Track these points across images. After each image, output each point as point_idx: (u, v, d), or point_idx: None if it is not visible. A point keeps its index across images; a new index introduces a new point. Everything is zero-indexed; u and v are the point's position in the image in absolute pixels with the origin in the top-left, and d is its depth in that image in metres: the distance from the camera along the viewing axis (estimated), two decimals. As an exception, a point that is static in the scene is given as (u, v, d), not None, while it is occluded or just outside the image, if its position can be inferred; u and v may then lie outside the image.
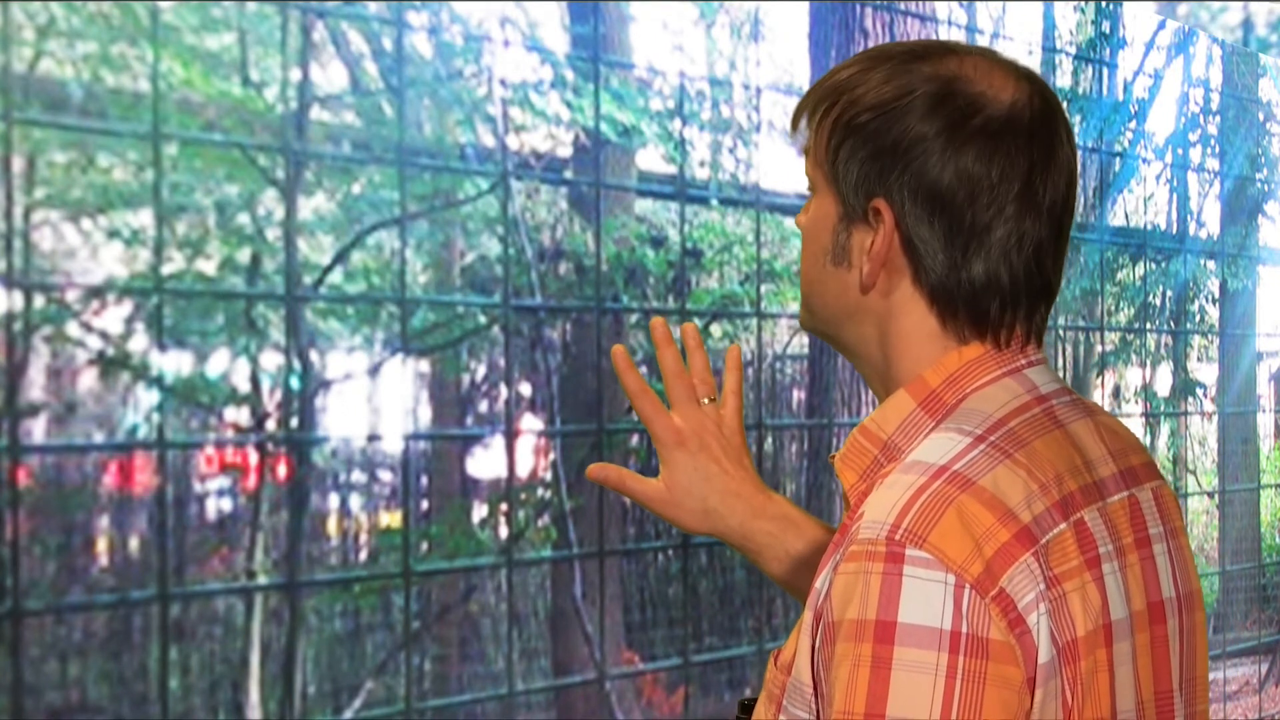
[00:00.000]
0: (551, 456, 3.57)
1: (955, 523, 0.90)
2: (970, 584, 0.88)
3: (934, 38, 4.40)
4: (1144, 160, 5.42)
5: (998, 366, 1.02)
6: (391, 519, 3.28)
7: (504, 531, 3.49)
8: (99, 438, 2.79)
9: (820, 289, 1.07)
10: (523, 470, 3.49)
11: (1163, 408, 5.53)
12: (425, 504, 3.39)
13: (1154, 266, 5.46)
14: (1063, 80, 5.06)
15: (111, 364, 2.79)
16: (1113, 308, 5.25)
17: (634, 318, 3.75)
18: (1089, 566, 0.95)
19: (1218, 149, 5.82)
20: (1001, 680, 0.88)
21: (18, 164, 2.63)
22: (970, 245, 0.99)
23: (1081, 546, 0.95)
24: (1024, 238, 1.00)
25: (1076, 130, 4.52)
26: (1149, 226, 5.44)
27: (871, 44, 4.19)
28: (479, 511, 3.51)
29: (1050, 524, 0.94)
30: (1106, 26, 5.23)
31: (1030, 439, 0.98)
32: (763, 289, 3.97)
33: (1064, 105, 1.05)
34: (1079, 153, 1.10)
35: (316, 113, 3.16)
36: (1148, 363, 5.47)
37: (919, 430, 1.00)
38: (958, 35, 4.57)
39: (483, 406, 3.56)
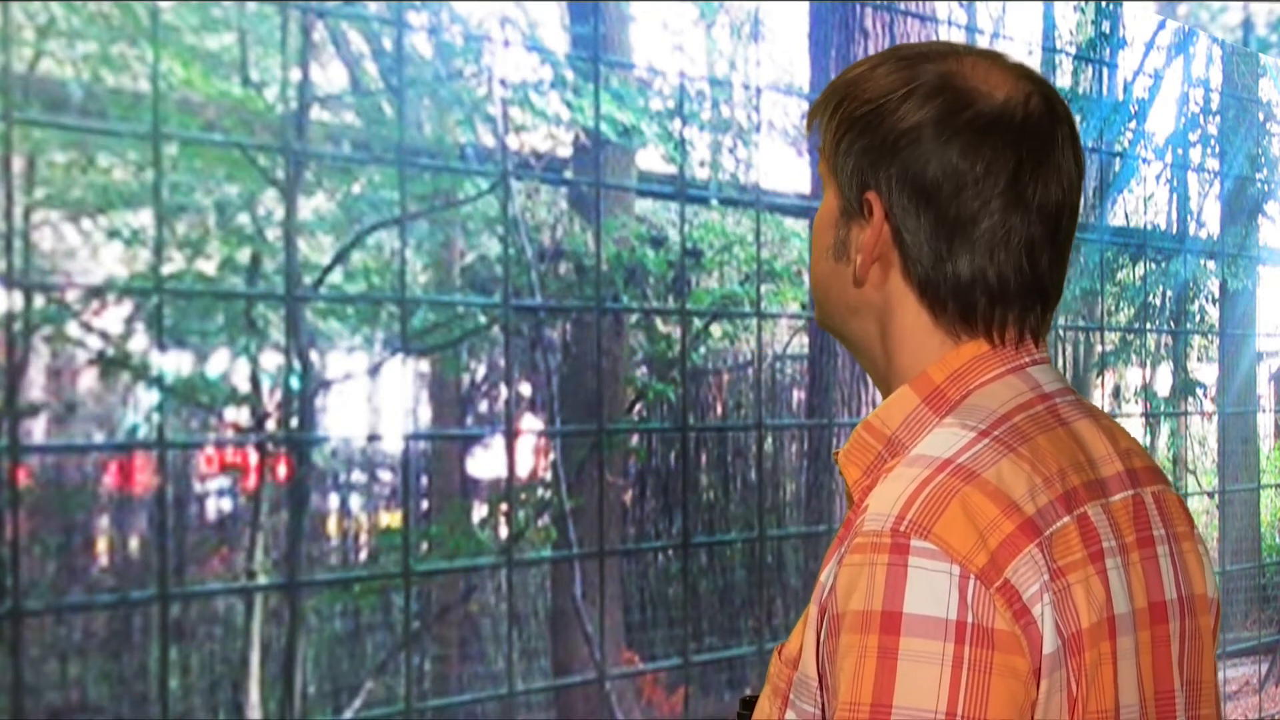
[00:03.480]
0: (551, 456, 3.56)
1: (959, 514, 0.91)
2: (975, 574, 0.89)
3: (935, 38, 4.40)
4: (1144, 160, 5.41)
5: (1001, 364, 1.02)
6: (391, 519, 3.28)
7: (504, 531, 3.48)
8: (99, 438, 2.79)
9: (824, 285, 1.08)
10: (523, 470, 3.49)
11: (1163, 408, 5.53)
12: (425, 504, 3.39)
13: (1154, 266, 5.46)
14: (1063, 80, 5.06)
15: (111, 364, 2.79)
16: (1113, 308, 5.25)
17: (634, 318, 3.75)
18: (1092, 560, 0.95)
19: (1218, 149, 5.82)
20: (1008, 670, 0.88)
21: (18, 164, 2.63)
22: (955, 238, 1.00)
23: (1085, 540, 0.95)
24: (1010, 234, 1.00)
25: (1076, 130, 4.49)
26: (1149, 226, 5.44)
27: (872, 44, 4.19)
28: (479, 511, 3.51)
29: (1054, 516, 0.94)
30: (1106, 26, 5.23)
31: (1033, 434, 0.98)
32: (763, 289, 3.96)
33: (1071, 111, 1.05)
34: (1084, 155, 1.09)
35: (316, 113, 3.15)
36: (1148, 363, 5.47)
37: (923, 426, 1.01)
38: (958, 35, 4.57)
39: (483, 406, 3.56)
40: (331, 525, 3.22)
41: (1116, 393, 5.28)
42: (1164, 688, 1.01)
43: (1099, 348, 5.19)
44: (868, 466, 1.03)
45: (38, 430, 2.71)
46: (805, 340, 4.25)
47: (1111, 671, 0.95)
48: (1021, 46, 4.85)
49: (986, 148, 0.99)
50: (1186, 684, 1.03)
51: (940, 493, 0.92)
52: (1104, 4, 5.22)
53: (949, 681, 0.87)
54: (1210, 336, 5.78)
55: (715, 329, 4.02)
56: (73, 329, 2.74)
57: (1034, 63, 4.85)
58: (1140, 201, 5.42)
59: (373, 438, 3.24)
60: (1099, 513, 0.98)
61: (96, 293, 2.76)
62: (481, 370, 3.53)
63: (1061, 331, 5.03)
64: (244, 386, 2.99)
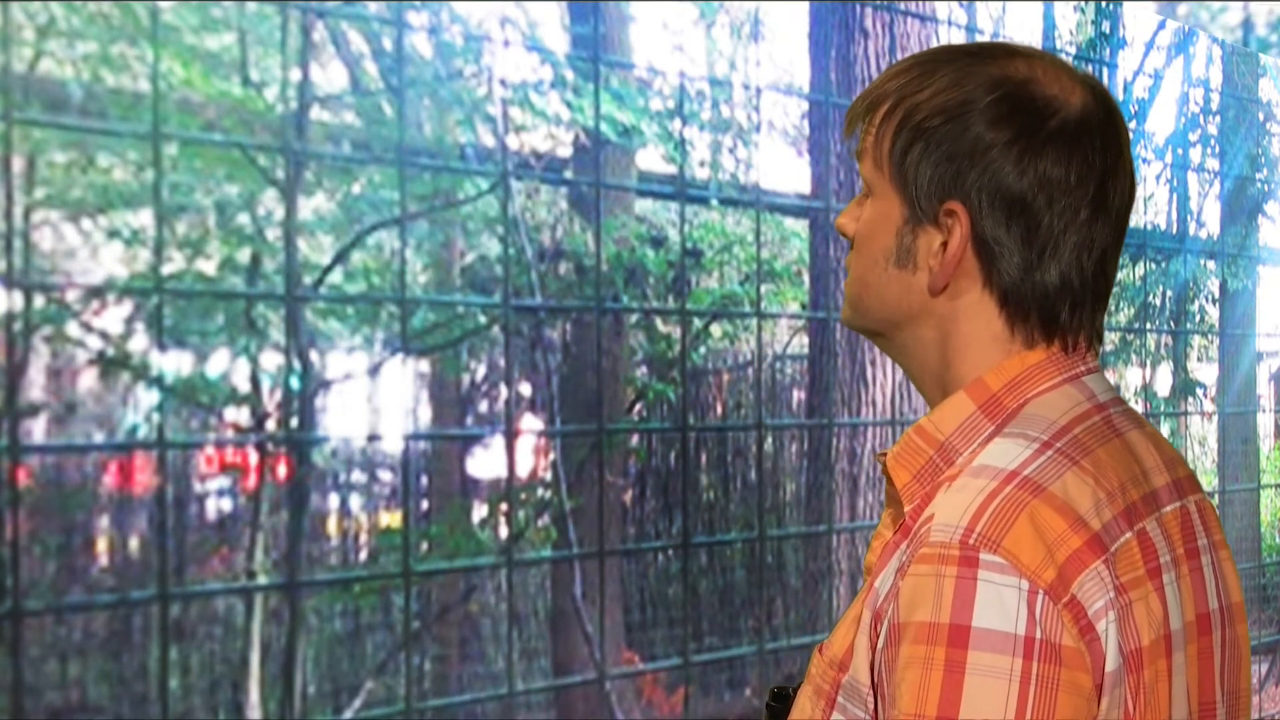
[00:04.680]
0: (551, 456, 3.56)
1: (1028, 528, 0.90)
2: (1044, 590, 0.89)
3: (935, 38, 4.40)
4: (1144, 160, 5.41)
5: (1059, 372, 1.02)
6: (391, 519, 3.28)
7: (504, 531, 3.49)
8: (99, 438, 2.79)
9: (879, 291, 1.05)
10: (523, 470, 3.49)
11: (1163, 408, 5.53)
12: (425, 504, 3.39)
13: (1154, 266, 5.46)
14: (1063, 80, 5.05)
15: (111, 364, 2.79)
16: (1113, 308, 5.25)
17: (634, 318, 3.75)
18: (1151, 577, 0.95)
19: (1218, 149, 5.82)
20: (1073, 687, 0.88)
21: (18, 164, 2.63)
22: (1047, 248, 0.99)
23: (1144, 556, 0.95)
24: (1094, 241, 1.00)
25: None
26: (1149, 226, 5.44)
27: (872, 44, 4.19)
28: (479, 511, 3.51)
29: (1118, 532, 0.94)
30: (1106, 26, 5.23)
31: (1094, 447, 0.98)
32: (763, 289, 3.96)
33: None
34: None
35: (316, 113, 3.15)
36: (1148, 363, 5.47)
37: (978, 433, 1.00)
38: (958, 35, 4.56)
39: (483, 406, 3.56)
40: (331, 525, 3.22)
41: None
42: (1207, 699, 1.00)
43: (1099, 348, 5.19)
44: (918, 471, 1.02)
45: (38, 430, 2.72)
46: (805, 340, 4.25)
47: (1167, 689, 0.95)
48: (1021, 46, 4.84)
49: (1077, 157, 0.98)
50: (1227, 695, 1.03)
51: (1008, 505, 0.91)
52: (1104, 4, 5.22)
53: (1017, 697, 0.87)
54: (1210, 336, 5.78)
55: (715, 329, 4.03)
56: (73, 329, 2.74)
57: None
58: (1140, 201, 5.42)
59: (373, 438, 3.24)
60: (1155, 527, 0.98)
61: (96, 293, 2.76)
62: (481, 370, 3.53)
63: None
64: (244, 386, 2.99)
